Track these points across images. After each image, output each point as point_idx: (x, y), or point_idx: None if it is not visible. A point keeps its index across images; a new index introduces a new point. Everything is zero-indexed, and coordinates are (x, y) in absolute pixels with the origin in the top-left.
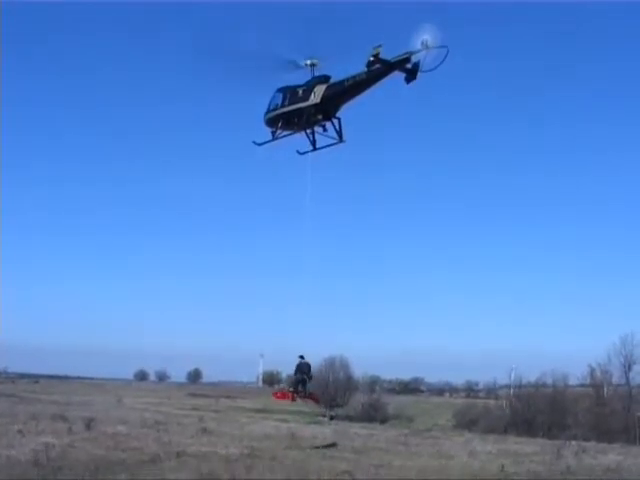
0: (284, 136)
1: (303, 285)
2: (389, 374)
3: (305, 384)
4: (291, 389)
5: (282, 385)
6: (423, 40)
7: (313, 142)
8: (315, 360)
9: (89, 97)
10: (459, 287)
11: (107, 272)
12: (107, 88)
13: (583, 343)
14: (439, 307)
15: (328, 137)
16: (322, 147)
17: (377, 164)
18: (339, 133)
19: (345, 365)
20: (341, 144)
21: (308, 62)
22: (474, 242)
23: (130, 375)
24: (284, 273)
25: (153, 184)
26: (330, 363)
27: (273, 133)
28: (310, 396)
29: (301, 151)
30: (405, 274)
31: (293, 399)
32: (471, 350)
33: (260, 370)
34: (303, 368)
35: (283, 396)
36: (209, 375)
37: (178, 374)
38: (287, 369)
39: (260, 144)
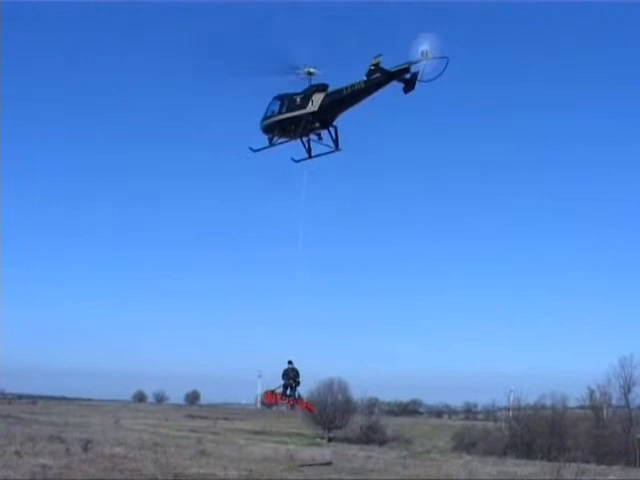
0: (280, 143)
1: (302, 307)
2: (387, 396)
3: (294, 389)
4: (279, 393)
5: (281, 407)
6: (423, 50)
7: (308, 150)
8: (313, 382)
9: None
10: (457, 308)
11: (105, 293)
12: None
13: (582, 365)
14: (437, 329)
15: (323, 145)
16: (317, 155)
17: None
18: (335, 141)
19: (343, 387)
20: (337, 152)
21: (306, 70)
22: (472, 263)
23: (128, 396)
24: (282, 294)
25: (150, 205)
26: (329, 385)
27: (269, 140)
28: (304, 404)
29: (296, 159)
30: (403, 296)
31: (282, 401)
32: (469, 372)
33: (258, 392)
34: (289, 373)
35: (274, 398)
36: (207, 397)
37: (176, 395)
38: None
39: (256, 150)
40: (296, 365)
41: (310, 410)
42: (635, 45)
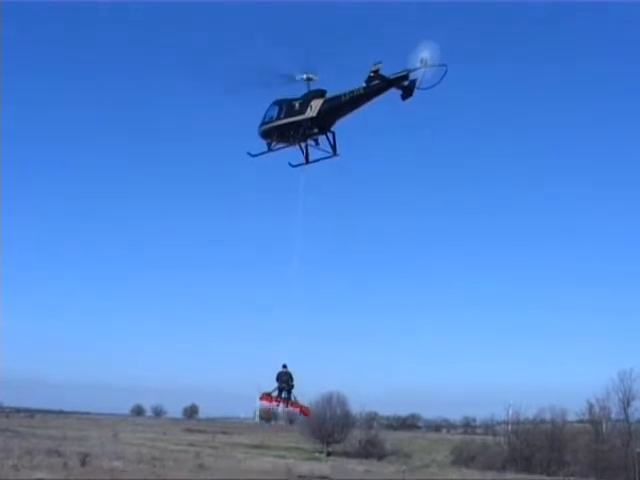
0: (278, 148)
1: (301, 321)
2: (386, 410)
3: (289, 392)
4: (268, 395)
5: (280, 421)
6: (422, 58)
7: (306, 155)
8: (312, 396)
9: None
10: (456, 323)
11: (103, 306)
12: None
13: (581, 379)
14: (436, 343)
15: (321, 150)
16: (315, 160)
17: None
18: (333, 147)
19: (342, 401)
20: (335, 158)
21: (304, 76)
22: (471, 278)
23: (126, 410)
24: (281, 308)
25: (148, 219)
26: (327, 399)
27: (268, 145)
28: (299, 407)
29: (293, 163)
30: (402, 310)
31: (277, 403)
32: (468, 386)
33: (257, 405)
34: (282, 377)
35: (269, 399)
36: (206, 411)
37: (174, 409)
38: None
39: (254, 155)
40: (290, 369)
41: (305, 413)
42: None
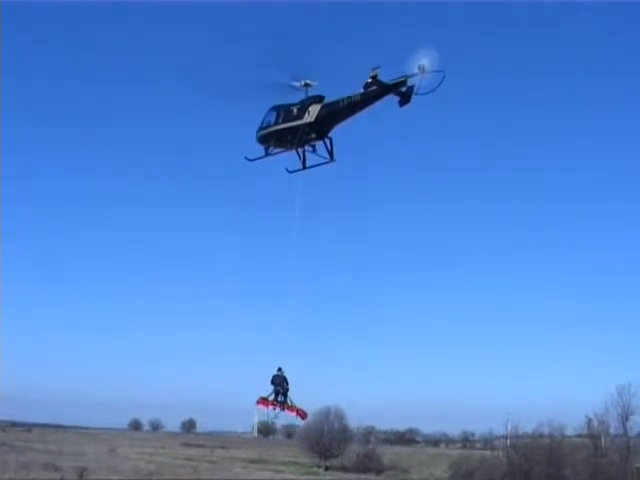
0: (276, 153)
1: (298, 335)
2: (384, 424)
3: (285, 396)
4: (264, 399)
5: (278, 436)
6: (420, 64)
7: (303, 161)
8: (309, 410)
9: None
10: (455, 337)
11: (101, 321)
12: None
13: (580, 393)
14: (434, 357)
15: (318, 156)
16: (312, 166)
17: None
18: (330, 152)
19: (340, 416)
20: (332, 163)
21: (302, 82)
22: (469, 292)
23: (124, 424)
24: (279, 322)
25: (144, 234)
26: (325, 413)
27: (265, 150)
28: (295, 410)
29: (290, 169)
30: (400, 324)
31: (274, 406)
32: (467, 400)
33: (255, 420)
34: (277, 380)
35: (265, 403)
36: (204, 425)
37: (172, 424)
38: (282, 419)
39: (252, 160)
40: (285, 372)
41: (302, 416)
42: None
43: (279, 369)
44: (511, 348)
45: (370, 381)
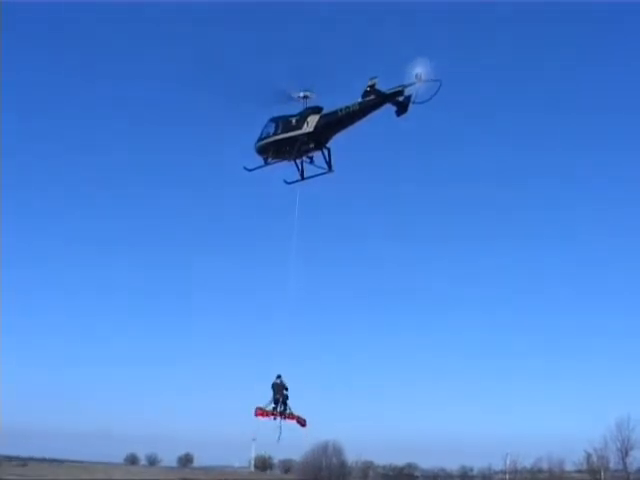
0: (274, 163)
1: (296, 368)
2: (382, 459)
3: (284, 404)
4: (269, 407)
5: (275, 470)
6: (417, 73)
7: (301, 172)
8: (307, 444)
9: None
10: (453, 371)
11: (96, 354)
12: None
13: (579, 427)
14: (432, 391)
15: (317, 166)
16: (310, 177)
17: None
18: (328, 163)
19: (338, 451)
20: (330, 174)
21: (301, 94)
22: (466, 326)
23: (120, 458)
24: (276, 355)
25: (138, 263)
26: (323, 448)
27: (264, 160)
28: (295, 418)
29: (288, 181)
30: (398, 358)
31: (274, 416)
32: (465, 435)
33: (252, 454)
34: (277, 387)
35: (263, 414)
36: (200, 459)
37: (169, 458)
38: (279, 454)
39: (251, 170)
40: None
41: (302, 424)
42: None
43: (278, 376)
44: (509, 382)
45: (368, 415)
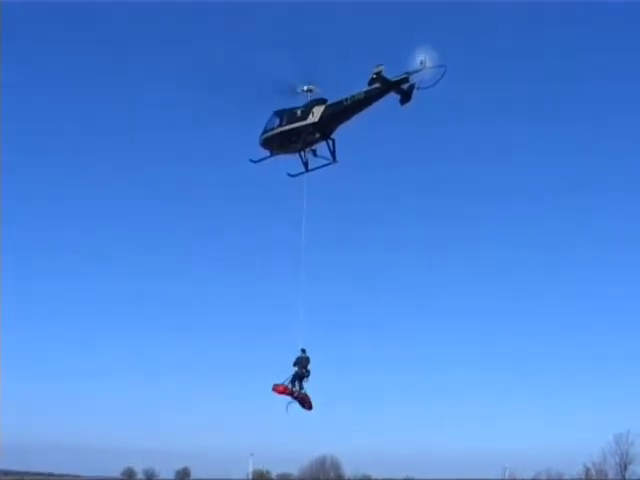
0: (279, 155)
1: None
2: (380, 473)
3: (301, 380)
4: (289, 384)
5: None
6: (421, 60)
7: (306, 163)
8: (305, 458)
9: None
10: (451, 385)
11: (91, 367)
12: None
13: (578, 441)
14: (431, 405)
15: (321, 157)
16: (315, 168)
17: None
18: (333, 153)
19: (336, 465)
20: (334, 165)
21: (305, 88)
22: (466, 339)
23: (117, 473)
24: (271, 369)
25: (135, 277)
26: (320, 462)
27: (269, 153)
28: (307, 401)
29: (292, 173)
30: (395, 371)
31: (292, 395)
32: (464, 448)
33: (250, 469)
34: (302, 362)
35: (283, 390)
36: (198, 473)
37: (166, 472)
38: (277, 468)
39: (256, 161)
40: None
41: (309, 407)
42: None
43: (303, 350)
44: (508, 395)
45: (366, 428)
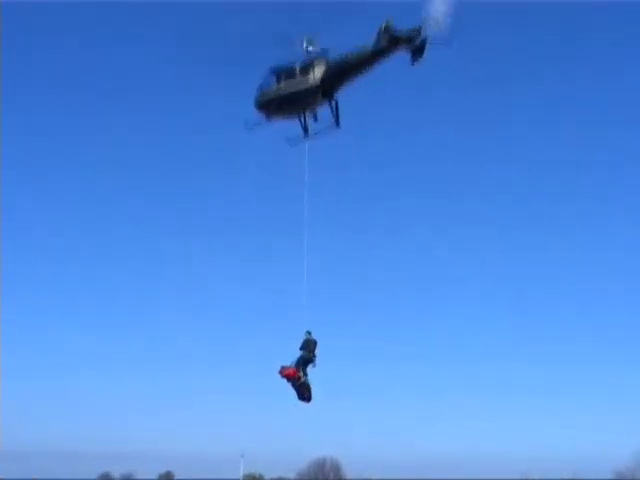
0: (277, 119)
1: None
2: (383, 476)
3: (306, 365)
4: (295, 367)
5: None
6: (434, 15)
7: (305, 127)
8: (304, 460)
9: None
10: (466, 384)
11: (66, 364)
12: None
13: (607, 444)
14: (444, 406)
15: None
16: (316, 134)
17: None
18: (336, 117)
19: (336, 467)
20: (337, 130)
21: (304, 44)
22: (481, 336)
23: (93, 477)
24: (265, 365)
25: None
26: (320, 465)
27: (266, 117)
28: (305, 390)
29: (291, 140)
30: (400, 372)
31: (298, 381)
32: (477, 453)
33: (240, 473)
34: (310, 346)
35: (293, 374)
36: (183, 477)
37: (147, 476)
38: (270, 472)
39: (252, 127)
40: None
41: (308, 400)
42: None
43: (309, 332)
44: (525, 394)
45: (369, 429)
